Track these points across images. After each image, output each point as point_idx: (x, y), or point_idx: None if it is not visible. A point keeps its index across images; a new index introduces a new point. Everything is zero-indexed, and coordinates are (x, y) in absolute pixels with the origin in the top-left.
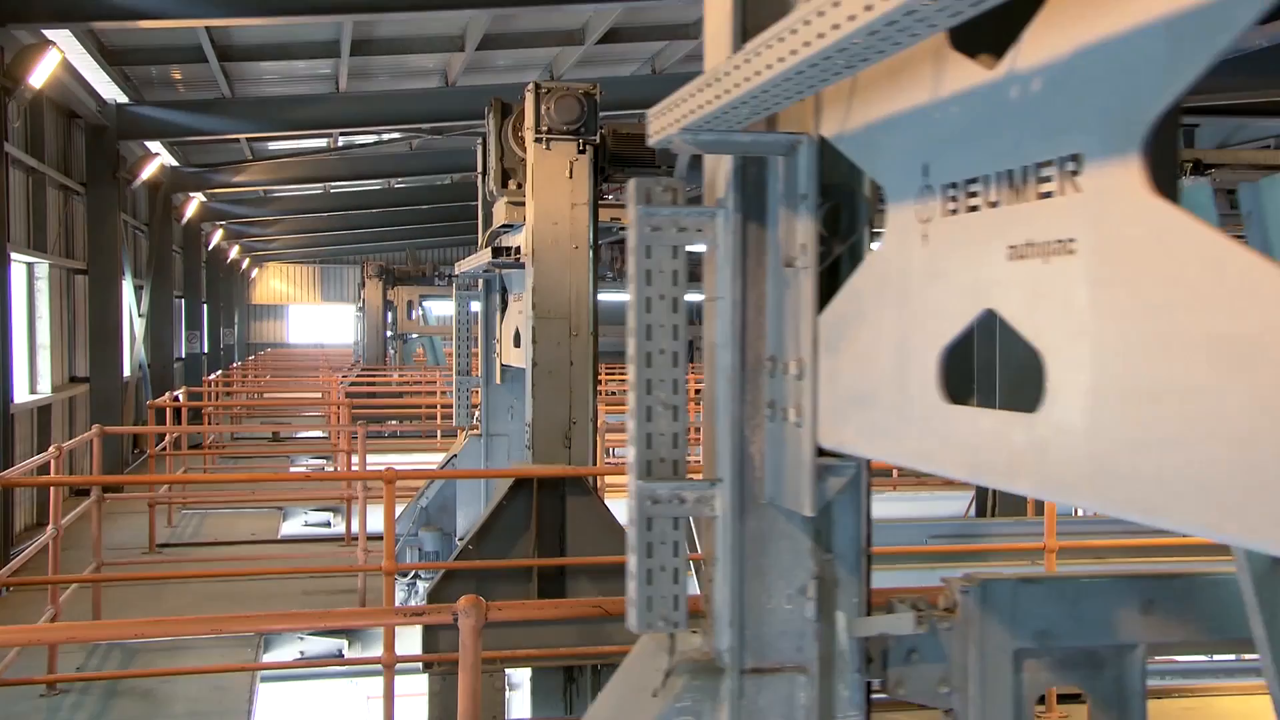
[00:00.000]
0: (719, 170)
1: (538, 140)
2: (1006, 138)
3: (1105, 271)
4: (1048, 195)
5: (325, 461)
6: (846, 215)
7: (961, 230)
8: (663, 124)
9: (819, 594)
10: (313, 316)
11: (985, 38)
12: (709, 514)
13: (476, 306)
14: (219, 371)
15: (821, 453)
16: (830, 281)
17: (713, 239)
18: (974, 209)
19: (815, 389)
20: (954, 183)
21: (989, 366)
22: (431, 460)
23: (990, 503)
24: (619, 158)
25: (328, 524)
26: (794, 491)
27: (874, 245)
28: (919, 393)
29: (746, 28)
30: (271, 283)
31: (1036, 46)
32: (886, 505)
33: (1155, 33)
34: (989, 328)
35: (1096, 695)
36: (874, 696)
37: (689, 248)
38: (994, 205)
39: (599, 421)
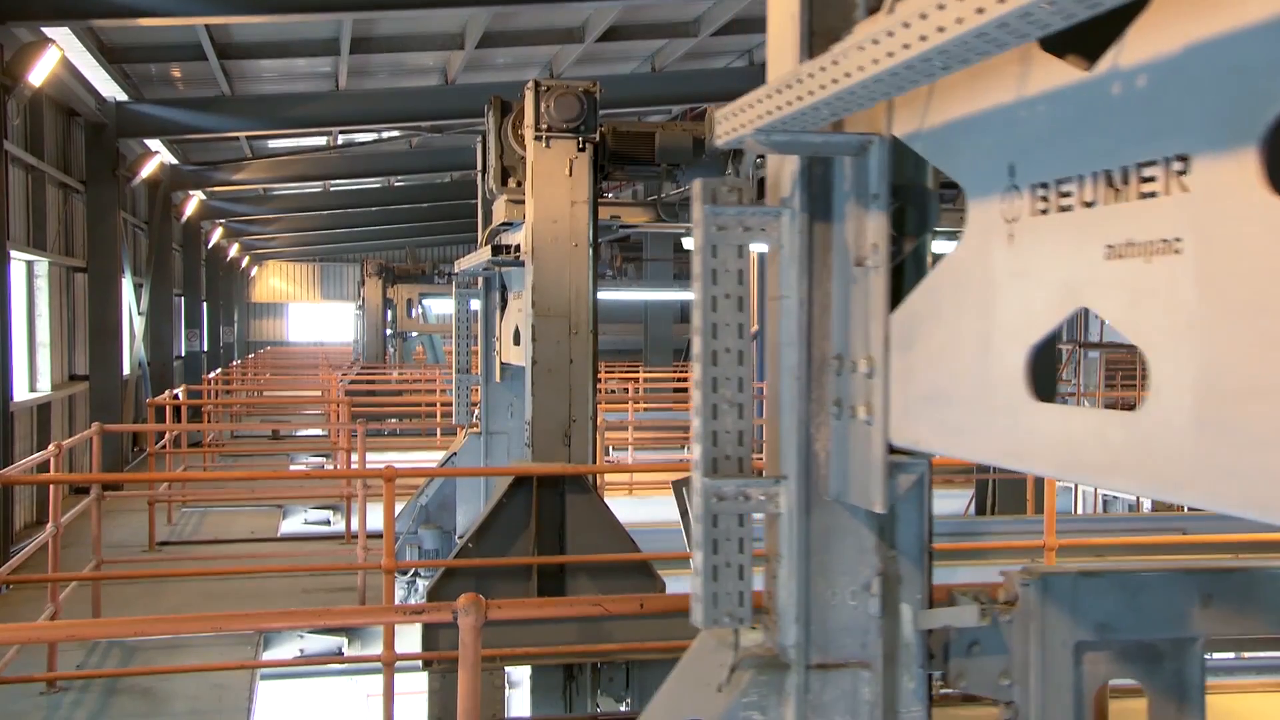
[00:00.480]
0: (783, 170)
1: (537, 138)
2: (1105, 137)
3: (1216, 270)
4: (1151, 195)
5: (325, 459)
6: (914, 214)
7: (1053, 230)
8: (733, 125)
9: (883, 590)
10: (312, 315)
11: (1073, 38)
12: (773, 511)
13: (476, 304)
14: (219, 370)
15: (891, 450)
16: (894, 281)
17: (777, 238)
18: (1066, 209)
19: (887, 387)
20: (1044, 182)
21: None
22: (431, 458)
23: (990, 501)
24: (619, 156)
25: (327, 522)
26: (863, 488)
27: (934, 245)
28: (1003, 391)
29: (813, 29)
30: (271, 281)
31: (1142, 44)
32: None
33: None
34: None
35: (1156, 688)
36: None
37: (689, 245)
38: (1089, 205)
39: (599, 420)
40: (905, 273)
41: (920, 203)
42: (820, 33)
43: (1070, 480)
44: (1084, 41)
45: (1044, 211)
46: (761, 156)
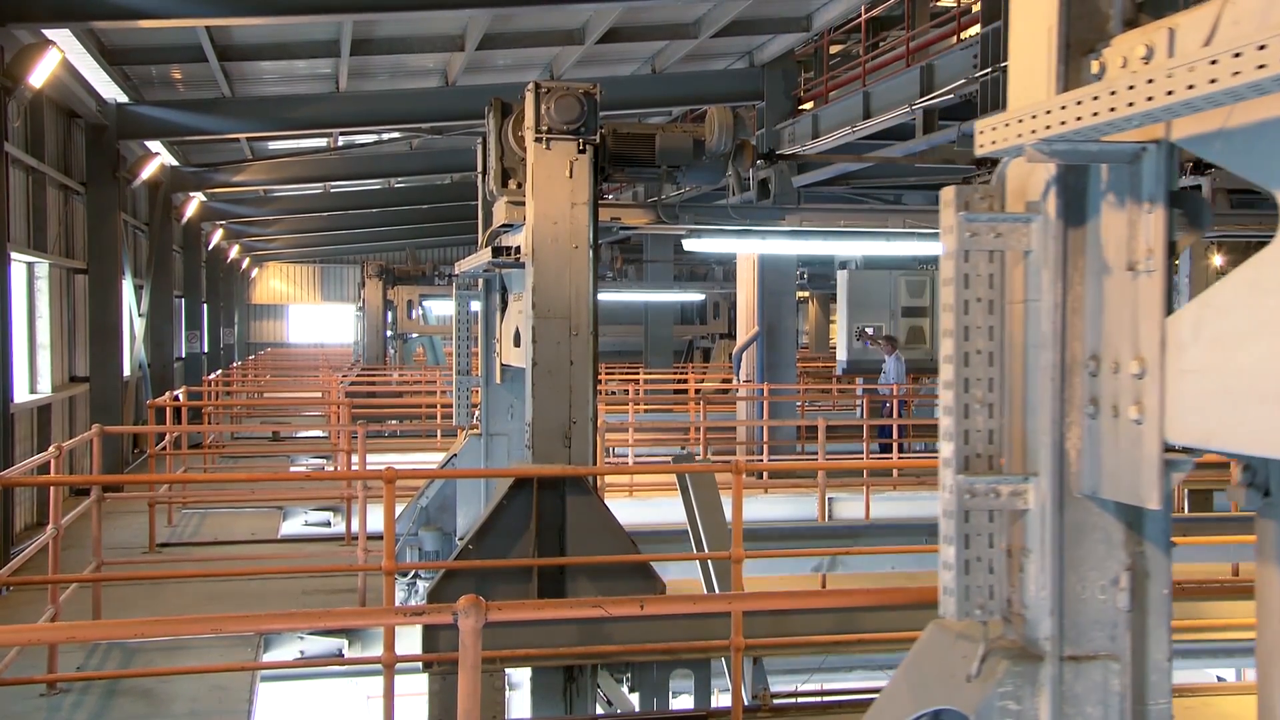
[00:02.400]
0: (1031, 178)
1: (538, 140)
2: None
3: None
4: None
5: (325, 461)
6: (1182, 217)
7: None
8: (1003, 135)
9: (1131, 584)
10: (313, 316)
11: None
12: (1021, 507)
13: (476, 306)
14: (219, 371)
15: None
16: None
17: (1025, 243)
18: None
19: (1163, 387)
20: None
21: None
22: (431, 460)
23: None
24: (619, 157)
25: (328, 523)
26: (1130, 485)
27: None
28: None
29: (1069, 42)
30: (271, 282)
31: None
32: (887, 505)
33: None
34: None
35: None
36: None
37: (688, 246)
38: None
39: (599, 421)
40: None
41: (1193, 206)
42: (1075, 44)
43: None
44: None
45: None
46: (763, 159)
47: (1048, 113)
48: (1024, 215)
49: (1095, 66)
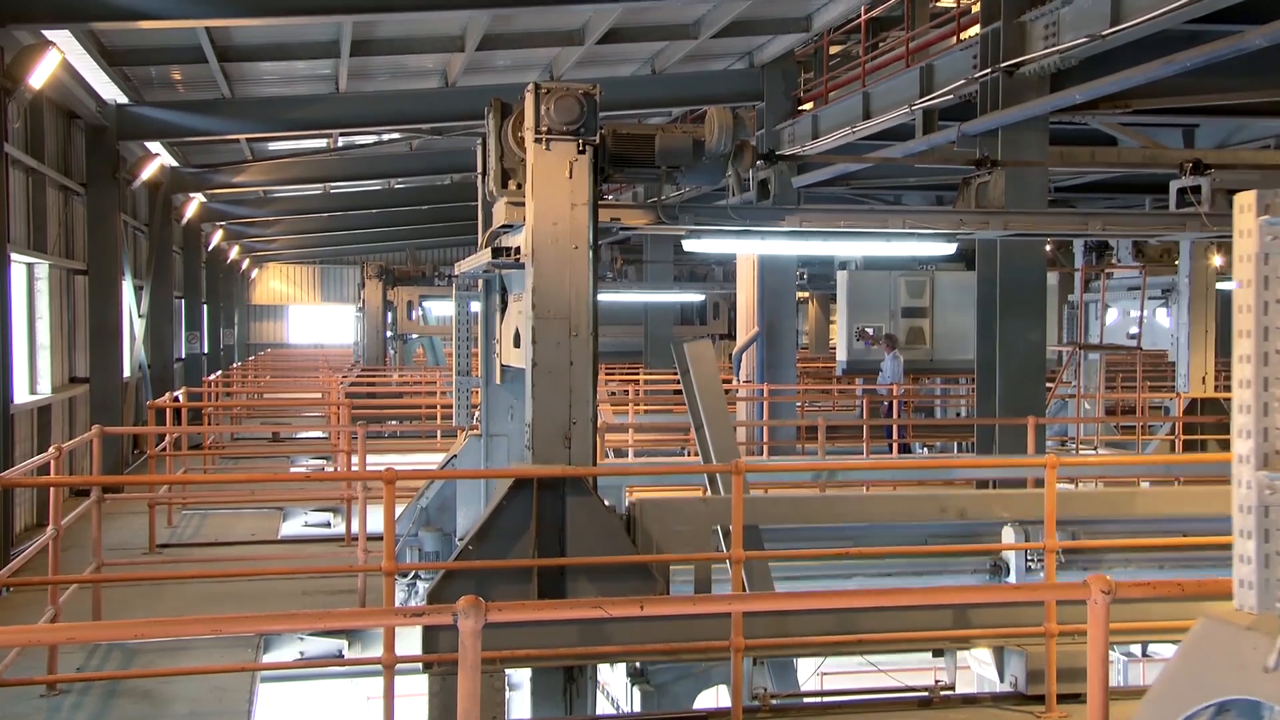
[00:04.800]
0: None
1: (537, 140)
2: None
3: None
4: None
5: (325, 462)
6: None
7: None
8: None
9: None
10: (312, 317)
11: None
12: None
13: (476, 307)
14: (219, 372)
15: None
16: None
17: None
18: None
19: None
20: None
21: None
22: (431, 460)
23: None
24: (618, 158)
25: (328, 524)
26: None
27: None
28: None
29: None
30: (271, 283)
31: None
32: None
33: None
34: None
35: None
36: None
37: (688, 247)
38: None
39: (599, 422)
40: None
41: None
42: None
43: None
44: None
45: None
46: (763, 160)
47: None
48: None
49: None
